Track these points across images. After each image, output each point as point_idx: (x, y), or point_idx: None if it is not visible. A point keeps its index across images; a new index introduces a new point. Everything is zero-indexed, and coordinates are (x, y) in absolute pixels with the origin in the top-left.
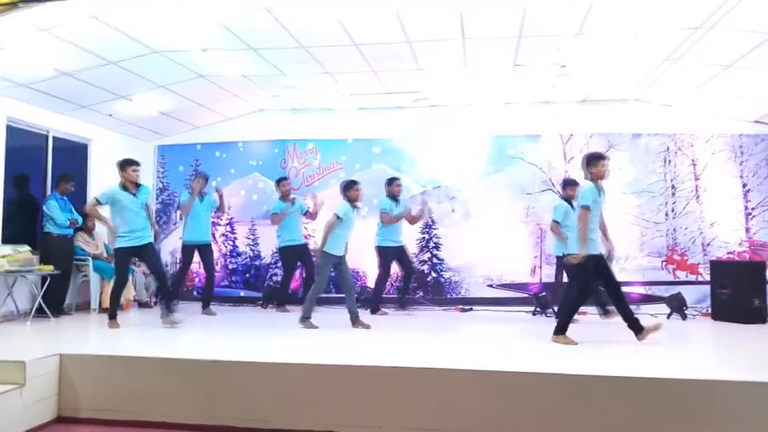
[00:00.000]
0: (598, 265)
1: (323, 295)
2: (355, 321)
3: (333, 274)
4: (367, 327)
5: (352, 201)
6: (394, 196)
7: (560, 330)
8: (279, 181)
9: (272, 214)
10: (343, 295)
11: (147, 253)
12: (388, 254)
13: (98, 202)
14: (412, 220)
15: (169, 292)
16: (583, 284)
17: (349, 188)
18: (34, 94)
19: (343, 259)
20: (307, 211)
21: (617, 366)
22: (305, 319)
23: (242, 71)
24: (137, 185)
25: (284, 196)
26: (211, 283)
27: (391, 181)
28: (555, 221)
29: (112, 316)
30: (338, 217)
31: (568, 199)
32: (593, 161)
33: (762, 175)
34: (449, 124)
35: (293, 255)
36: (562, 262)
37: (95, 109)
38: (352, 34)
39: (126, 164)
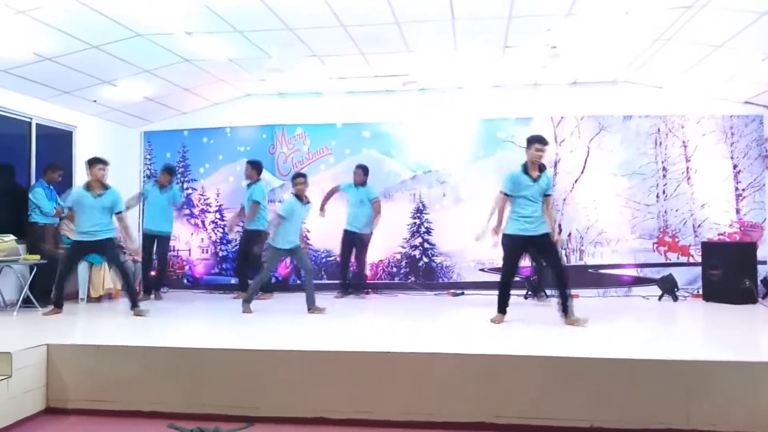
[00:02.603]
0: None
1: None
2: (311, 306)
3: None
4: (322, 311)
5: (298, 195)
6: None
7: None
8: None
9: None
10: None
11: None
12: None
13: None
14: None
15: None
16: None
17: (294, 181)
18: (15, 80)
19: (296, 249)
20: None
21: (609, 348)
22: (246, 303)
23: (228, 55)
24: (104, 186)
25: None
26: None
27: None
28: None
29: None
30: (281, 216)
31: None
32: (528, 143)
33: (752, 156)
34: (439, 107)
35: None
36: None
37: (79, 95)
38: (340, 15)
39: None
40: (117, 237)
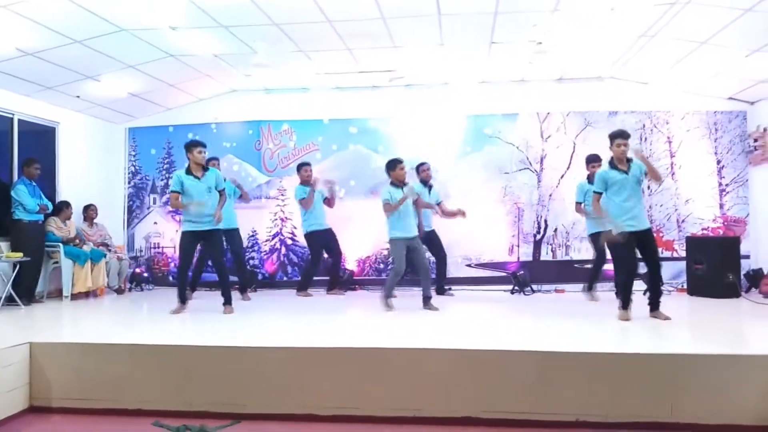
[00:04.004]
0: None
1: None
2: (426, 304)
3: None
4: (436, 309)
5: (399, 180)
6: (425, 182)
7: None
8: (300, 167)
9: (301, 200)
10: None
11: (211, 240)
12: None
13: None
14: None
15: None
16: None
17: (393, 168)
18: None
19: (415, 241)
20: (326, 198)
21: (596, 342)
22: (386, 299)
23: (213, 50)
24: (204, 168)
25: (305, 182)
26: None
27: (419, 167)
28: (577, 202)
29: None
30: (388, 203)
31: (591, 177)
32: (610, 140)
33: (735, 152)
34: (426, 103)
35: (319, 240)
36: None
37: (62, 90)
38: (326, 10)
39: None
40: (105, 235)
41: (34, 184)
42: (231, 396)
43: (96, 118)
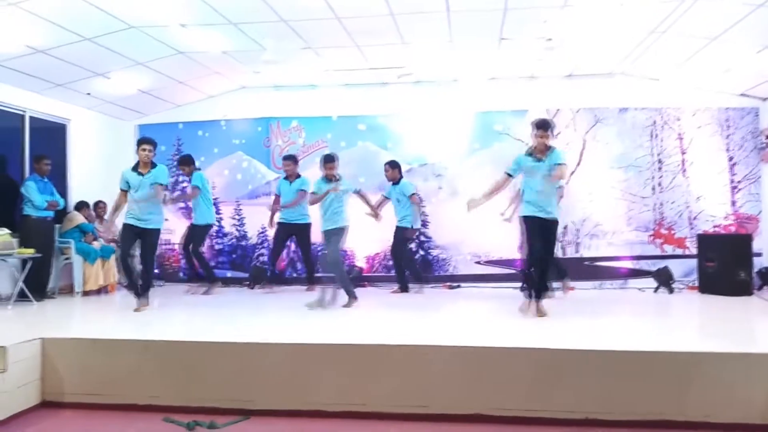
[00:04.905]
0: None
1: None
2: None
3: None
4: (316, 308)
5: (328, 176)
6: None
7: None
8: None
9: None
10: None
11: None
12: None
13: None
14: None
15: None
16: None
17: (322, 164)
18: (7, 73)
19: (325, 234)
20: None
21: (604, 340)
22: (351, 295)
23: (222, 47)
24: (153, 165)
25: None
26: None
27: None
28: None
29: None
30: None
31: None
32: (532, 128)
33: (747, 149)
34: (435, 100)
35: (280, 233)
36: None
37: (72, 87)
38: (334, 7)
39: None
40: (116, 232)
41: (45, 180)
42: (240, 392)
43: (106, 115)
